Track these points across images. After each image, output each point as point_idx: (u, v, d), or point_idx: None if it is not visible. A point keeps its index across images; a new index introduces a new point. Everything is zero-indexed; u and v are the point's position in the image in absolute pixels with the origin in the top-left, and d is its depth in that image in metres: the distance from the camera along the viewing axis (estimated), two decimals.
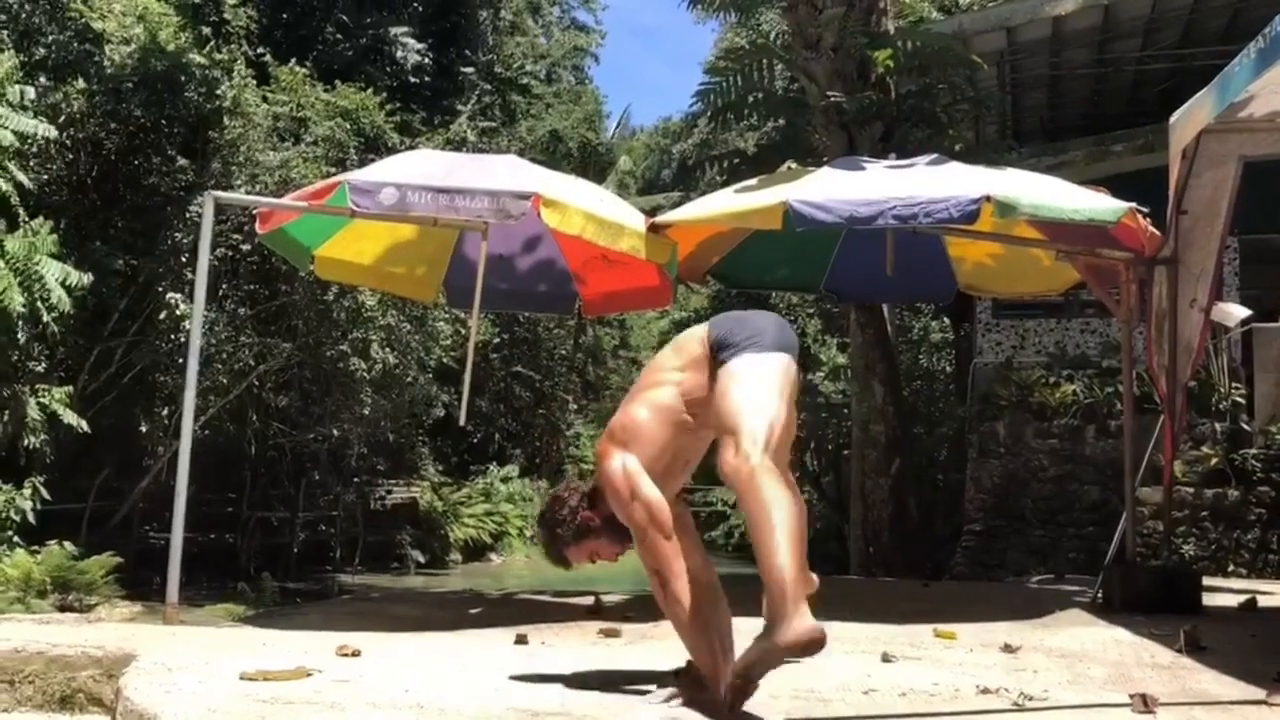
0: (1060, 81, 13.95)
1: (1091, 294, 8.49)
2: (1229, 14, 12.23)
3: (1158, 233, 5.81)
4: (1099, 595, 6.12)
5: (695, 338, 3.31)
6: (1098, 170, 11.57)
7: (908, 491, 10.28)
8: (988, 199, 5.20)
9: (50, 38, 14.10)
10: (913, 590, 7.42)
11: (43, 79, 13.41)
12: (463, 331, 17.62)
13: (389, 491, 22.48)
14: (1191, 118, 5.04)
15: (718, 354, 3.17)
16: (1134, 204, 5.60)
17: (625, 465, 3.14)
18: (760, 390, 3.06)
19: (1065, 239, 6.13)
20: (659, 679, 3.37)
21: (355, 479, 20.69)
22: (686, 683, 3.18)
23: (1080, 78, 13.77)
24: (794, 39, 10.46)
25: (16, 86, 11.90)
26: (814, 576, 3.07)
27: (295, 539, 19.39)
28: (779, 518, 2.79)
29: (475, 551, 23.08)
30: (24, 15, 14.06)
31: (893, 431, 10.21)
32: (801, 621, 2.67)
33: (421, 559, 21.31)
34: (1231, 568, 9.65)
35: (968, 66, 10.63)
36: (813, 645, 2.69)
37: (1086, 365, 11.85)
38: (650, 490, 3.11)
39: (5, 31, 13.82)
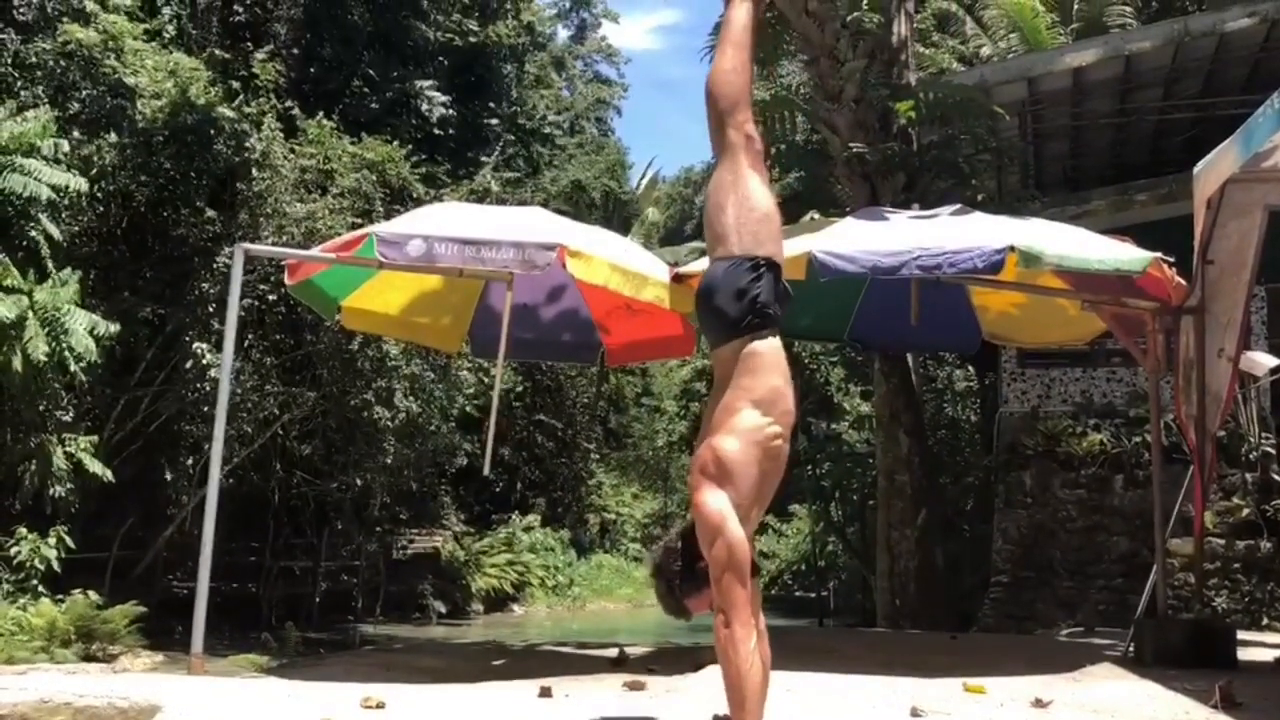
0: (1082, 131, 13.98)
1: (1118, 343, 8.45)
2: (1250, 64, 12.26)
3: (1184, 282, 5.79)
4: (1130, 649, 6.03)
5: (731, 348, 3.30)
6: (1121, 219, 11.55)
7: (934, 542, 10.18)
8: (1012, 249, 5.20)
9: (84, 92, 14.38)
10: (940, 643, 7.33)
11: (76, 133, 13.67)
12: (485, 380, 17.67)
13: (411, 541, 22.44)
14: (1215, 168, 5.04)
15: (739, 326, 3.27)
16: (1159, 254, 5.59)
17: (717, 503, 3.12)
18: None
19: (1090, 289, 6.12)
20: None
21: (378, 528, 20.67)
22: None
23: (1102, 127, 13.79)
24: (816, 91, 10.53)
25: (51, 140, 12.13)
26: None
27: (317, 588, 19.36)
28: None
29: (497, 602, 22.95)
30: (59, 71, 14.35)
31: (918, 482, 10.13)
32: None
33: (443, 609, 21.20)
34: (1266, 621, 9.49)
35: (990, 117, 10.68)
36: None
37: (1113, 414, 11.75)
38: (736, 530, 3.09)
39: (41, 87, 14.11)
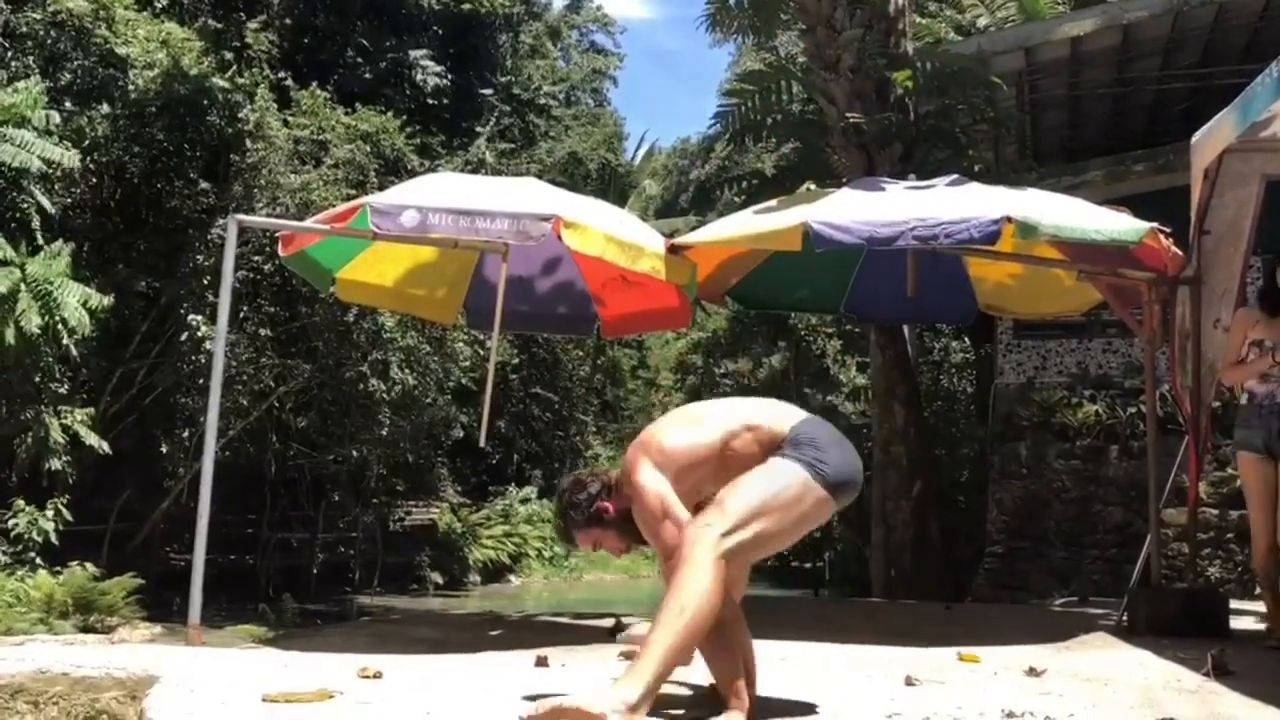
0: (1079, 101, 13.92)
1: (1113, 314, 8.45)
2: (1249, 33, 12.19)
3: (1180, 253, 5.78)
4: (1124, 618, 6.05)
5: (779, 419, 3.24)
6: (1118, 190, 11.51)
7: (929, 513, 10.21)
8: (1008, 220, 5.19)
9: (75, 63, 14.28)
10: (935, 613, 7.36)
11: (68, 104, 13.59)
12: (481, 353, 17.67)
13: (408, 513, 22.51)
14: (1213, 137, 5.02)
15: (782, 445, 3.16)
16: (1156, 224, 5.58)
17: (658, 486, 3.16)
18: (779, 498, 3.05)
19: (1087, 259, 6.10)
20: (682, 703, 3.35)
21: (374, 500, 20.73)
22: (707, 706, 3.17)
23: (1099, 97, 13.73)
24: (812, 60, 10.47)
25: (42, 111, 12.07)
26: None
27: (314, 560, 19.43)
28: (690, 607, 2.84)
29: (494, 573, 23.06)
30: (50, 41, 14.24)
31: (914, 453, 10.16)
32: (600, 699, 2.71)
33: (440, 580, 21.31)
34: (1258, 590, 9.53)
35: (987, 87, 10.62)
36: None
37: (1109, 386, 11.77)
38: (682, 512, 3.13)
39: (31, 58, 14.01)
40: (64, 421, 12.09)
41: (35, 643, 5.33)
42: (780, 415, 3.29)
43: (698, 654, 3.17)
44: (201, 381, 13.78)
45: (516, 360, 23.49)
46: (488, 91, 24.82)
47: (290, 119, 16.01)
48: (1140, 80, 13.17)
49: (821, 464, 3.11)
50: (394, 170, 15.95)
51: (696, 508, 3.21)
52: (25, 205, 11.98)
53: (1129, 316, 6.47)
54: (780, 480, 3.09)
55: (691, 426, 3.33)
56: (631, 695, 2.75)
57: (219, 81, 14.53)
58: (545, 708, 2.77)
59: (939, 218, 5.31)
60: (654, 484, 3.17)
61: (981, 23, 16.13)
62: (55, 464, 11.90)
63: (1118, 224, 5.59)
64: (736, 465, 3.19)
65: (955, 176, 6.45)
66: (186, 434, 14.99)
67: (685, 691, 3.50)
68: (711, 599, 2.88)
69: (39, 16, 14.33)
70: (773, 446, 3.18)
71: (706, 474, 3.26)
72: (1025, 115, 13.52)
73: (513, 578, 23.59)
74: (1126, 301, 6.37)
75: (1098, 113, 14.41)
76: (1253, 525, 5.38)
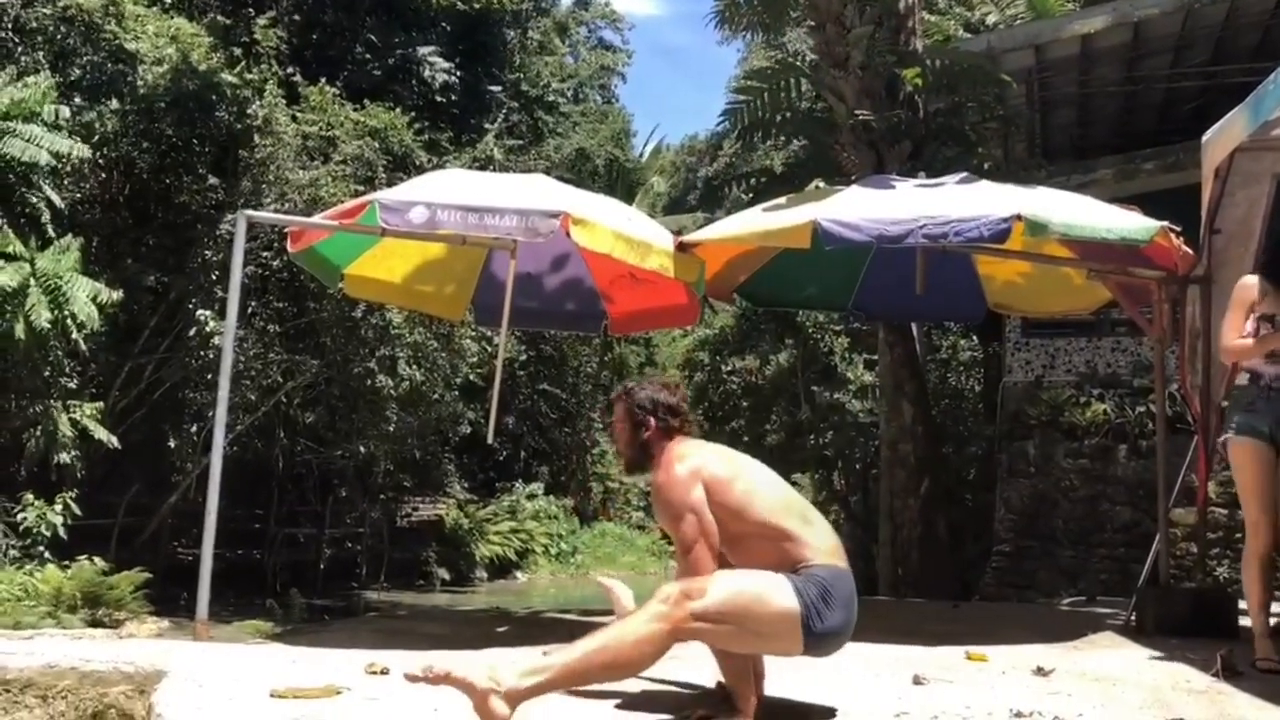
0: (1089, 99, 13.86)
1: (1123, 312, 8.42)
2: (1260, 32, 12.12)
3: (1190, 251, 5.76)
4: (1132, 618, 6.04)
5: (814, 544, 3.16)
6: (1127, 188, 11.47)
7: (937, 511, 10.19)
8: (1018, 218, 5.17)
9: (85, 58, 14.30)
10: (942, 611, 7.36)
11: (77, 99, 13.61)
12: (489, 349, 17.68)
13: (415, 509, 22.53)
14: (1224, 136, 5.00)
15: (799, 568, 3.10)
16: (1167, 222, 5.56)
17: (693, 482, 3.15)
18: (760, 617, 3.02)
19: (1097, 258, 6.08)
20: (689, 701, 3.35)
21: (381, 496, 20.77)
22: (714, 703, 3.17)
23: (1109, 95, 13.67)
24: (821, 58, 10.45)
25: (52, 106, 12.09)
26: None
27: (321, 555, 19.46)
28: (619, 660, 2.92)
29: (500, 569, 23.07)
30: (59, 37, 14.26)
31: (922, 451, 10.14)
32: (502, 697, 2.80)
33: (446, 576, 21.32)
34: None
35: (996, 84, 10.59)
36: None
37: (1117, 384, 11.73)
38: (707, 510, 3.12)
39: (41, 53, 14.03)
40: (73, 416, 12.12)
41: (44, 637, 5.35)
42: (818, 541, 3.19)
43: (706, 650, 3.17)
44: (210, 377, 13.81)
45: (524, 357, 23.49)
46: (496, 88, 24.79)
47: (298, 115, 16.01)
48: (1150, 78, 13.11)
49: (819, 617, 3.05)
50: (402, 166, 15.94)
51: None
52: (35, 200, 12.00)
53: (1139, 315, 6.45)
54: (774, 604, 3.03)
55: (741, 488, 3.21)
56: (519, 685, 2.82)
57: (228, 77, 14.54)
58: (435, 671, 2.81)
59: (949, 216, 5.30)
60: (688, 479, 3.15)
61: (991, 20, 16.10)
62: (64, 458, 11.93)
63: (1128, 222, 5.57)
64: (747, 551, 3.15)
65: (965, 174, 6.43)
66: (194, 429, 15.02)
67: (690, 691, 3.50)
68: (644, 660, 2.94)
69: (49, 12, 14.35)
70: (791, 561, 3.11)
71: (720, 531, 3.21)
72: (1035, 113, 13.47)
73: (519, 574, 23.60)
74: (1136, 300, 6.35)
75: (1107, 111, 14.35)
76: (1247, 521, 4.71)
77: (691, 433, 3.42)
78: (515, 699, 2.82)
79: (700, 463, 3.20)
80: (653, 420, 3.34)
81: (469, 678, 2.79)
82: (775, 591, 3.04)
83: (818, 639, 3.07)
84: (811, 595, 3.04)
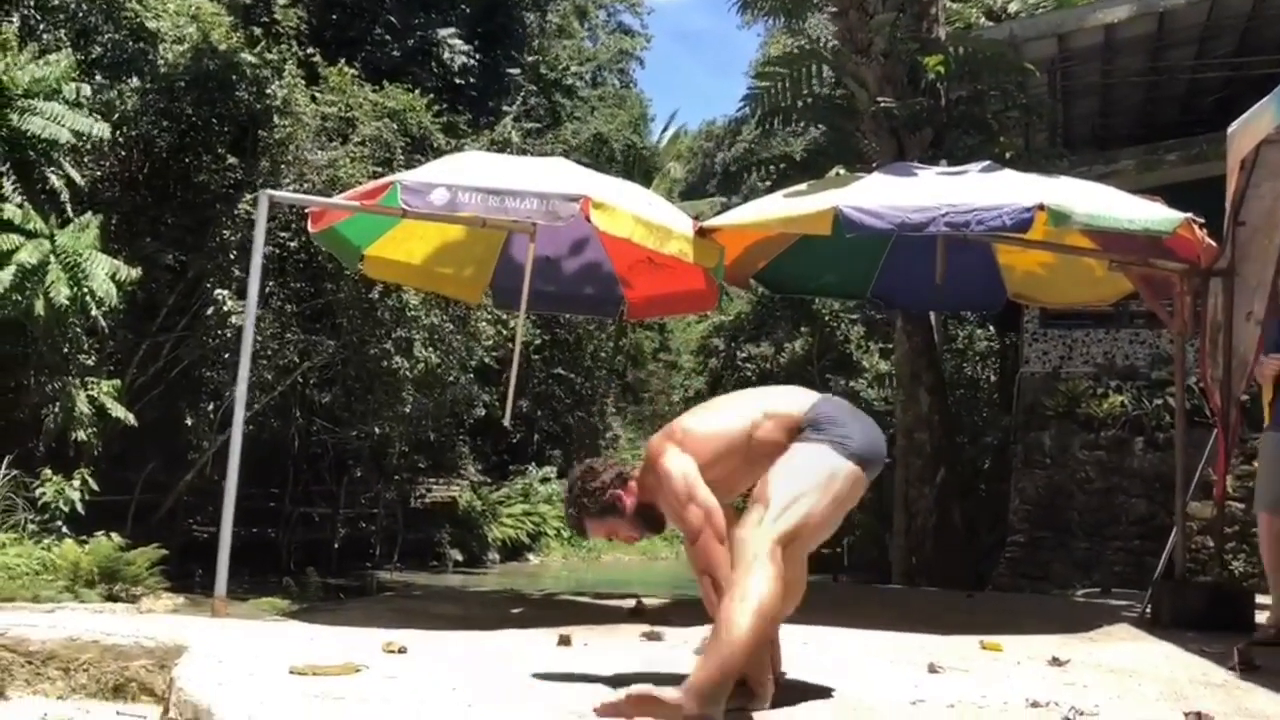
0: (1112, 89, 13.76)
1: (1141, 304, 8.39)
2: None
3: (1213, 244, 5.72)
4: (1148, 610, 6.03)
5: (797, 403, 3.27)
6: (1149, 179, 11.40)
7: (952, 501, 10.19)
8: (1041, 207, 5.14)
9: (106, 36, 14.30)
10: (956, 601, 7.36)
11: (98, 77, 13.62)
12: (504, 332, 17.69)
13: (429, 490, 22.62)
14: (1250, 128, 4.95)
15: (804, 429, 3.18)
16: (1190, 214, 5.52)
17: (684, 468, 3.18)
18: (813, 480, 3.05)
19: (1119, 249, 6.05)
20: None
21: (396, 476, 20.84)
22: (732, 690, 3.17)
23: (1133, 85, 13.57)
24: (843, 44, 10.41)
25: (73, 84, 12.10)
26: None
27: (336, 535, 19.56)
28: (757, 603, 2.80)
29: (513, 551, 23.16)
30: (81, 14, 14.28)
31: (938, 440, 10.14)
32: (691, 698, 2.73)
33: (459, 557, 21.42)
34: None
35: (1019, 73, 10.53)
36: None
37: (1135, 377, 11.68)
38: (707, 495, 3.15)
39: (63, 30, 14.05)
40: (91, 393, 12.17)
41: (65, 610, 5.40)
42: (796, 399, 3.31)
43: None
44: (227, 356, 13.85)
45: (539, 340, 23.52)
46: (515, 71, 24.76)
47: (318, 95, 16.01)
48: (1174, 69, 13.01)
49: (847, 440, 3.12)
50: (420, 148, 15.93)
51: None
52: (55, 177, 12.03)
53: (1160, 307, 6.42)
54: (810, 464, 3.09)
55: (714, 414, 3.38)
56: (712, 695, 2.76)
57: (247, 57, 14.53)
58: (632, 695, 2.78)
59: (971, 204, 5.27)
60: (679, 466, 3.20)
61: (1013, 8, 15.97)
62: (82, 435, 11.99)
63: (1152, 213, 5.53)
64: (763, 454, 3.19)
65: (988, 163, 6.41)
66: (211, 407, 15.09)
67: None
68: (774, 590, 2.86)
69: None
70: (794, 431, 3.19)
71: (736, 465, 3.26)
72: (1057, 102, 13.38)
73: (531, 556, 23.69)
74: (1158, 292, 6.32)
75: (1130, 101, 14.24)
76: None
77: (629, 468, 3.45)
78: (700, 695, 2.76)
79: (675, 441, 3.27)
80: (614, 494, 3.35)
81: (665, 699, 2.75)
82: (801, 457, 3.10)
83: (864, 459, 3.12)
84: (827, 432, 3.12)
